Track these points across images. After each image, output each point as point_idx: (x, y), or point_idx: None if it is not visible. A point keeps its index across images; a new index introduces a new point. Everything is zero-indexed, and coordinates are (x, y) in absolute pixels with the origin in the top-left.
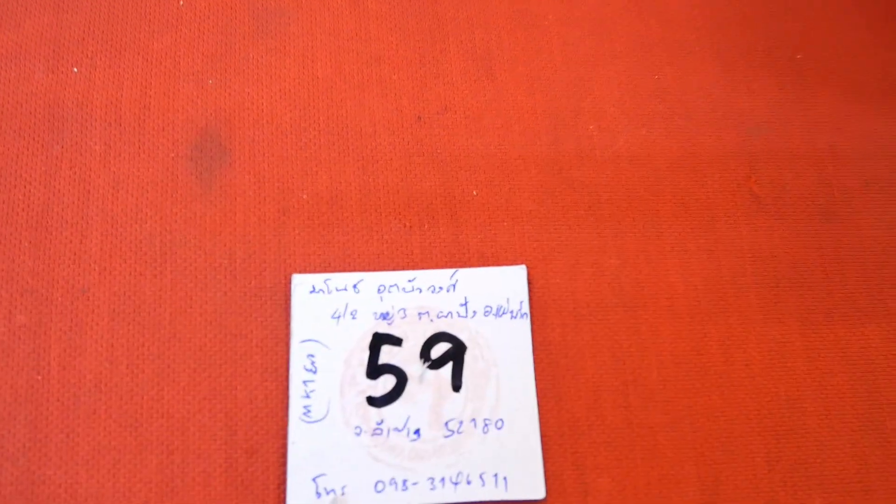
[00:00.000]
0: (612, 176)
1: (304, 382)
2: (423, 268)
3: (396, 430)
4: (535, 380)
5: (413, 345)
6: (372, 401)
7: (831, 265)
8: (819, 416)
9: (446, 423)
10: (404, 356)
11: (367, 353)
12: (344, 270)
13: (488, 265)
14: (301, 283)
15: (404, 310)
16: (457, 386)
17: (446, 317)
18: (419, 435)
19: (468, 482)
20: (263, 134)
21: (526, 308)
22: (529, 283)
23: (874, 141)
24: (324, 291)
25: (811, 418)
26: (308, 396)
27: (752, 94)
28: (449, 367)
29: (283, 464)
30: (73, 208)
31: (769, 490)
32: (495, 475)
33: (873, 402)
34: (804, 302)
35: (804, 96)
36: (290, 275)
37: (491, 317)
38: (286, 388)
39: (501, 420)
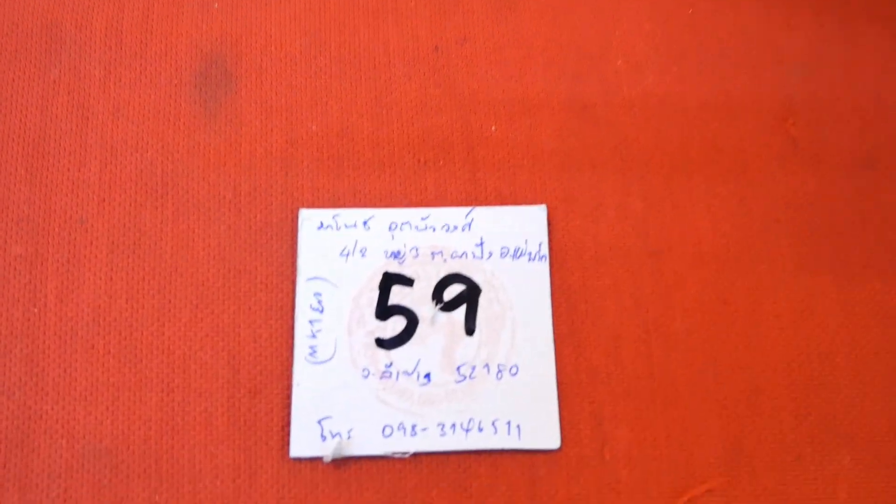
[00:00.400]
0: (639, 115)
1: (311, 322)
2: (437, 205)
3: (406, 373)
4: (553, 325)
5: (425, 285)
6: (381, 342)
7: (870, 215)
8: (851, 371)
9: (458, 368)
10: (416, 297)
11: (376, 293)
12: (354, 206)
13: (506, 204)
14: (309, 219)
15: (417, 249)
16: (470, 329)
17: (461, 257)
18: (430, 379)
19: (480, 429)
20: (272, 61)
21: (545, 250)
22: (549, 224)
23: None
24: (332, 228)
25: (842, 373)
26: (314, 336)
27: (791, 31)
28: (462, 309)
29: (288, 405)
30: (71, 136)
31: (795, 446)
32: (508, 423)
33: None
34: (839, 253)
35: (848, 34)
36: (298, 209)
37: (508, 258)
38: (291, 328)
39: (516, 366)
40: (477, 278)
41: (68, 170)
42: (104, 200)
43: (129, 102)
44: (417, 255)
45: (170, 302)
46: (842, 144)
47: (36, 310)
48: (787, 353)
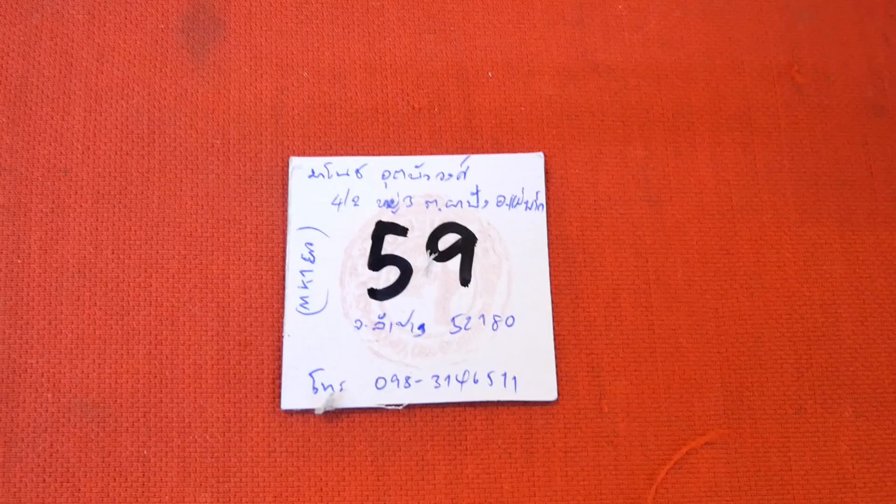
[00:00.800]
0: (641, 60)
1: (302, 272)
2: (431, 153)
3: (399, 324)
4: (550, 276)
5: (419, 235)
6: (374, 293)
7: (877, 163)
8: (855, 322)
9: (453, 319)
10: (409, 247)
11: (369, 243)
12: (346, 154)
13: (503, 152)
14: (299, 167)
15: (410, 197)
16: (465, 280)
17: (456, 206)
18: (424, 330)
19: (475, 381)
20: (261, 5)
21: (542, 199)
22: (547, 172)
23: None
24: (324, 176)
25: (846, 325)
26: (305, 287)
27: None
28: (457, 259)
29: (278, 357)
30: (54, 83)
31: (797, 398)
32: (504, 375)
33: None
34: (845, 202)
35: None
36: (288, 157)
37: (504, 207)
38: (282, 278)
39: (512, 317)
40: (472, 228)
41: (51, 118)
42: (89, 149)
43: (113, 48)
44: (411, 204)
45: (157, 253)
46: (848, 92)
47: (19, 261)
48: (790, 305)
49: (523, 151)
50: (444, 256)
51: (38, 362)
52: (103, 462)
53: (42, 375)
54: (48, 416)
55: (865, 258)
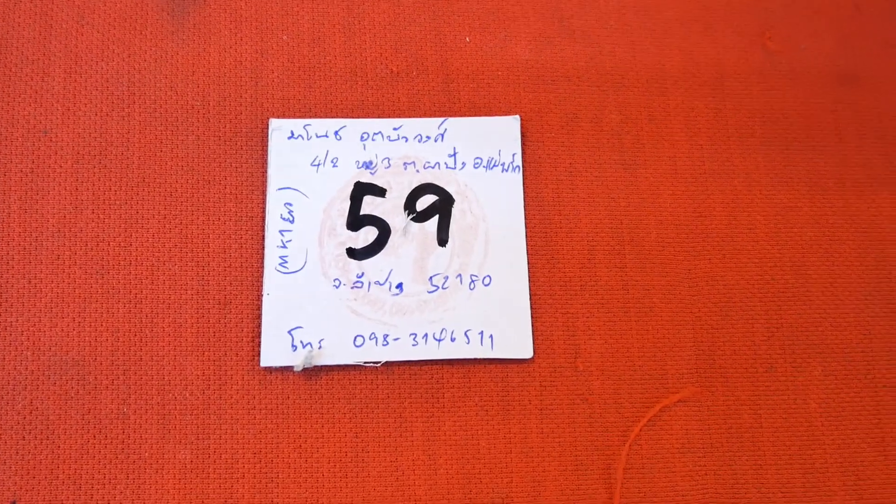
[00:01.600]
0: (616, 27)
1: (281, 232)
2: (410, 116)
3: (378, 283)
4: (526, 237)
5: (397, 196)
6: (352, 253)
7: (847, 129)
8: (824, 283)
9: (431, 278)
10: (387, 207)
11: (347, 204)
12: (325, 116)
13: (480, 115)
14: (279, 128)
15: (388, 159)
16: (443, 240)
17: (433, 168)
18: (402, 289)
19: (452, 339)
20: None
21: (518, 161)
22: (523, 135)
23: None
24: (303, 137)
25: (815, 286)
26: (284, 247)
27: None
28: (435, 220)
29: (258, 315)
30: (34, 43)
31: (767, 357)
32: (481, 333)
33: (881, 272)
34: (815, 166)
35: None
36: (268, 119)
37: (481, 169)
38: (261, 238)
39: (489, 276)
40: (450, 189)
41: (31, 79)
42: (69, 110)
43: (93, 9)
44: (389, 166)
45: (137, 213)
46: (819, 59)
47: None
48: (761, 266)
49: (500, 115)
50: (421, 217)
51: (17, 320)
52: (83, 419)
53: (22, 333)
54: (28, 374)
55: (834, 221)
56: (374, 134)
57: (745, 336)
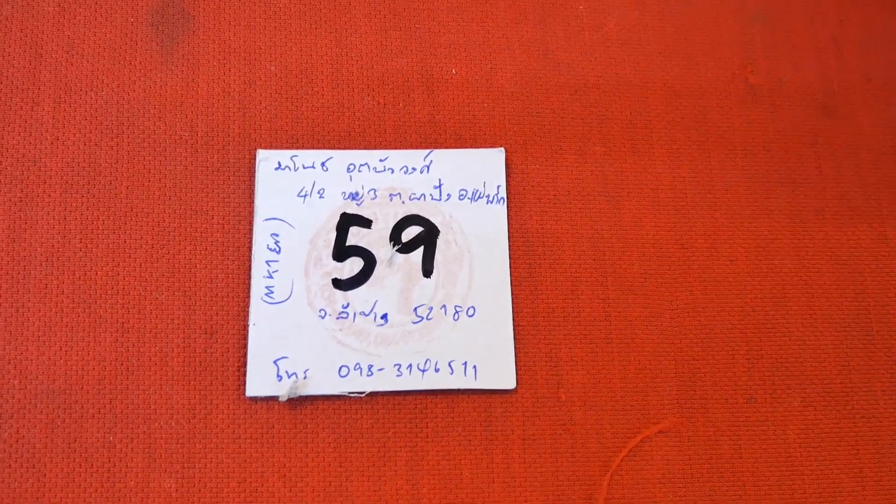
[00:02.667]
0: (600, 60)
1: (267, 262)
2: (396, 148)
3: (363, 314)
4: (511, 268)
5: (383, 227)
6: (338, 283)
7: (826, 162)
8: (803, 315)
9: (415, 309)
10: (373, 238)
11: (334, 234)
12: (312, 147)
13: (465, 147)
14: (266, 159)
15: (375, 190)
16: (427, 271)
17: (419, 199)
18: (387, 320)
19: (436, 370)
20: (230, 0)
21: (503, 193)
22: (508, 167)
23: (878, 35)
24: (290, 168)
25: (795, 317)
26: (271, 277)
27: None
28: (420, 251)
29: (244, 345)
30: (24, 73)
31: (748, 388)
32: (465, 363)
33: (860, 304)
34: (795, 198)
35: None
36: (255, 150)
37: (466, 201)
38: (248, 268)
39: (473, 307)
40: (435, 220)
41: (21, 108)
42: (58, 140)
43: (83, 40)
44: (375, 197)
45: (125, 242)
46: (799, 93)
47: None
48: (742, 297)
49: (485, 147)
50: (407, 248)
51: (4, 349)
52: (69, 448)
53: (9, 362)
54: (14, 403)
55: (814, 253)
56: (361, 165)
57: (726, 367)
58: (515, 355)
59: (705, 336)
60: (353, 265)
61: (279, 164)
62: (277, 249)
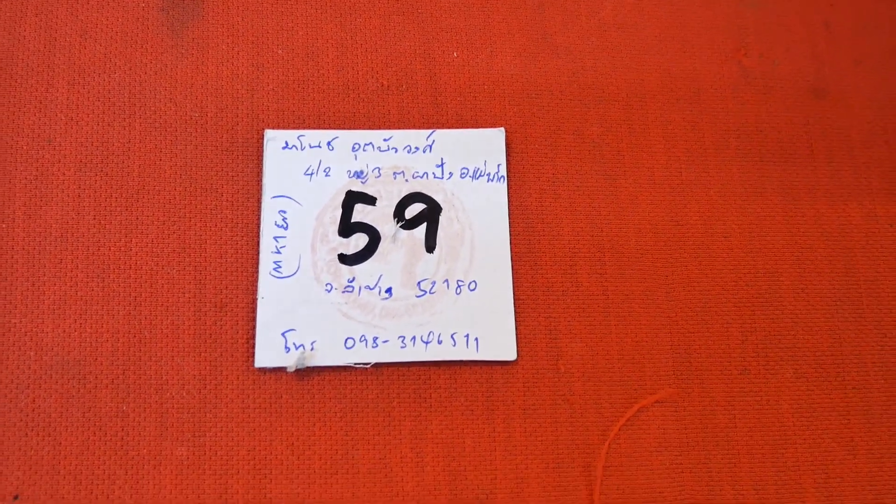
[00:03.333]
0: (597, 43)
1: (275, 238)
2: (399, 128)
3: (368, 288)
4: (511, 244)
5: (387, 204)
6: (343, 258)
7: (818, 142)
8: (796, 290)
9: (419, 283)
10: (377, 215)
11: (339, 211)
12: (318, 127)
13: (466, 127)
14: (274, 139)
15: (379, 169)
16: (430, 247)
17: (422, 177)
18: (391, 294)
19: (439, 342)
20: None
21: (503, 171)
22: (508, 146)
23: (868, 18)
24: (297, 148)
25: (787, 292)
26: (279, 252)
27: None
28: (423, 227)
29: (252, 318)
30: (39, 56)
31: (741, 360)
32: (467, 336)
33: (850, 279)
34: (788, 177)
35: None
36: (263, 130)
37: (467, 179)
38: (256, 244)
39: (475, 282)
40: (437, 198)
41: (36, 90)
42: (72, 120)
43: (96, 24)
44: (380, 175)
45: (137, 219)
46: (791, 75)
47: (4, 226)
48: (736, 272)
49: (486, 127)
50: (410, 224)
51: (21, 322)
52: (84, 417)
53: (25, 334)
54: (31, 374)
55: (806, 230)
56: (366, 145)
57: (721, 340)
58: (516, 328)
59: (700, 310)
60: (359, 241)
61: (286, 143)
62: (285, 226)
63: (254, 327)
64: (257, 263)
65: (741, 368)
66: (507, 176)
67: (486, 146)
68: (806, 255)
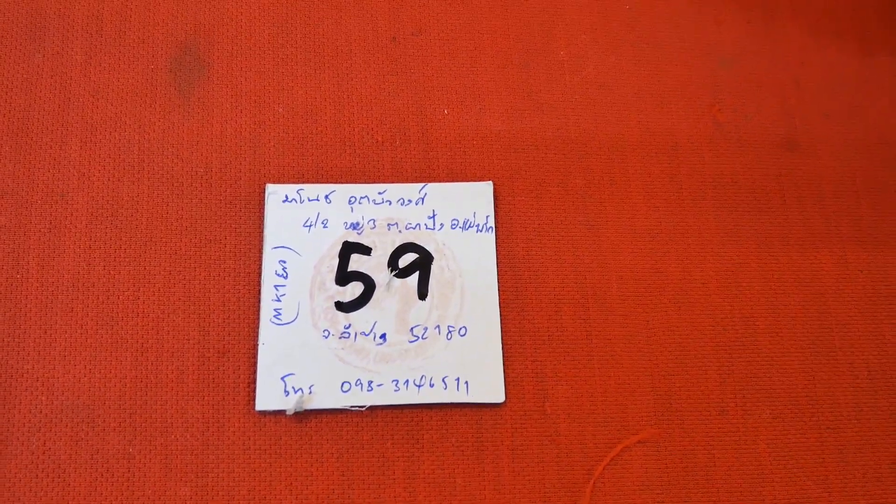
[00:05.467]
0: (580, 100)
1: (275, 287)
2: (393, 181)
3: (363, 334)
4: (499, 291)
5: (381, 254)
6: (340, 306)
7: (789, 192)
8: (771, 333)
9: (411, 329)
10: (372, 264)
11: (336, 261)
12: (317, 181)
13: (457, 181)
14: (274, 193)
15: (374, 220)
16: (423, 294)
17: (414, 228)
18: (385, 339)
19: (431, 385)
20: (242, 49)
21: (491, 223)
22: (496, 198)
23: (835, 76)
24: (296, 201)
25: (763, 336)
26: (279, 300)
27: (720, 27)
28: (415, 276)
29: (254, 364)
30: (54, 115)
31: (720, 401)
32: (457, 379)
33: (822, 323)
34: (761, 226)
35: (771, 30)
36: (265, 184)
37: (458, 230)
38: (258, 293)
39: (465, 327)
40: (429, 247)
41: (50, 147)
42: (84, 176)
43: (108, 85)
44: (375, 227)
45: (145, 269)
46: (763, 128)
47: (18, 276)
48: (713, 318)
49: (475, 180)
50: (403, 273)
51: (33, 367)
52: (92, 459)
53: (37, 379)
54: (42, 417)
55: (780, 276)
56: (361, 198)
57: (699, 382)
58: (504, 371)
59: (680, 353)
60: (355, 289)
61: (286, 196)
62: (285, 275)
63: (255, 372)
64: (258, 311)
65: (720, 409)
66: (495, 226)
67: (475, 198)
68: (780, 300)
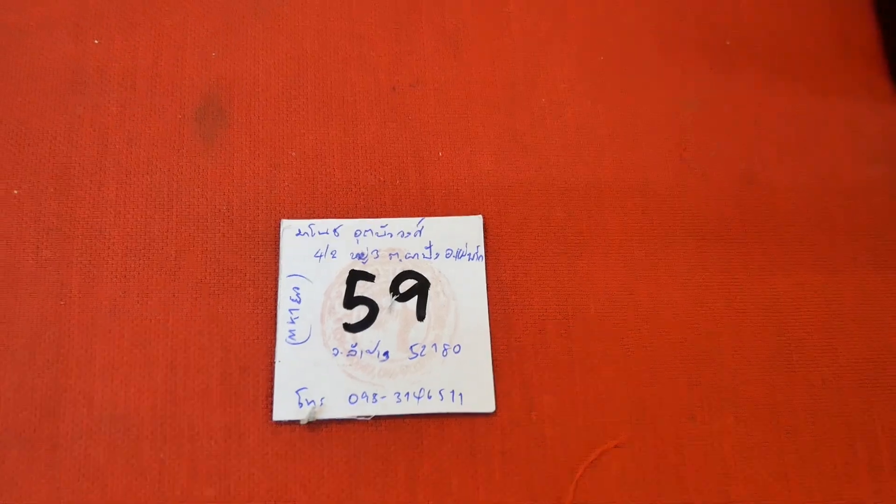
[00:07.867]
0: (559, 142)
1: (290, 311)
2: (394, 216)
3: (368, 351)
4: (489, 312)
5: (384, 281)
6: (348, 327)
7: (750, 222)
8: (734, 349)
9: (411, 347)
10: (376, 290)
11: (344, 287)
12: (326, 217)
13: (450, 215)
14: (289, 227)
15: (377, 251)
16: (421, 316)
17: (413, 257)
18: (388, 356)
19: (429, 397)
20: (258, 100)
21: (482, 252)
22: (485, 230)
23: (791, 115)
24: (308, 234)
25: (727, 350)
26: (293, 322)
27: (685, 74)
28: (415, 300)
29: (271, 379)
30: (93, 160)
31: (689, 408)
32: (452, 391)
33: (781, 339)
34: (725, 254)
35: (732, 75)
36: (280, 220)
37: (451, 258)
38: (274, 316)
39: (459, 345)
40: (427, 274)
41: (90, 188)
42: (120, 214)
43: (141, 133)
44: (378, 256)
45: (174, 296)
46: (725, 164)
47: (63, 303)
48: (682, 334)
49: (467, 214)
50: (403, 297)
51: (76, 383)
52: (127, 463)
53: (79, 393)
54: (83, 427)
55: (742, 298)
56: (366, 231)
57: (670, 391)
58: (494, 384)
59: (652, 366)
60: (360, 312)
61: (299, 230)
62: (298, 300)
63: (272, 386)
64: (275, 332)
65: (689, 415)
66: (485, 255)
67: (467, 231)
68: (742, 319)
